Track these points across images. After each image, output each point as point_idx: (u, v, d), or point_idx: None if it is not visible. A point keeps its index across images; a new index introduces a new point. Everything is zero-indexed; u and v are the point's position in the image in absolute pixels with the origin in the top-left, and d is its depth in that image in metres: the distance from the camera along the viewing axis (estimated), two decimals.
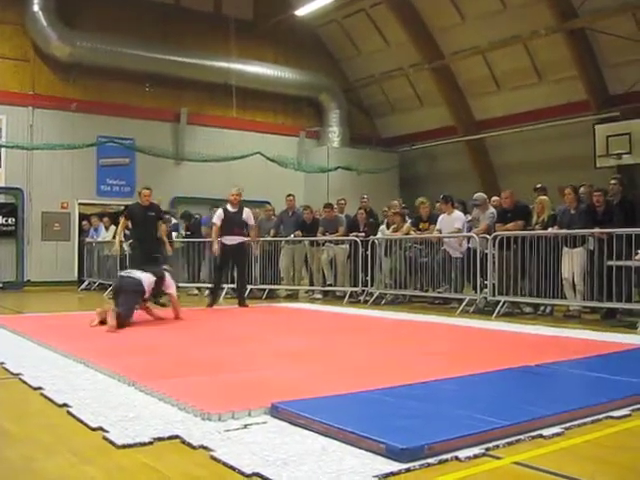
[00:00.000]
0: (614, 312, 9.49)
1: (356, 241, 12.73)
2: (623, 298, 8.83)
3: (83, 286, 16.62)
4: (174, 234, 14.86)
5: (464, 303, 10.77)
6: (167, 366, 5.35)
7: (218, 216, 11.25)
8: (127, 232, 12.97)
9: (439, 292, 11.60)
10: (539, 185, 11.69)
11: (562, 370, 5.27)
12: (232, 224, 11.15)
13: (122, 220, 11.70)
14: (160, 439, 3.40)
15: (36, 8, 16.63)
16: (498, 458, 3.15)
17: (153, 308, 9.14)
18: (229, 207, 11.25)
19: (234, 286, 12.33)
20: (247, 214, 11.38)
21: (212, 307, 11.08)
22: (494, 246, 10.28)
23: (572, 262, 9.66)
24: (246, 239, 11.53)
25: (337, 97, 21.55)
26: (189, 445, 3.31)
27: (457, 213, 11.73)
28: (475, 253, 10.67)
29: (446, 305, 11.71)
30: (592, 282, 9.29)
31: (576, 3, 15.82)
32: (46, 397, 4.36)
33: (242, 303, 11.32)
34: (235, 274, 12.32)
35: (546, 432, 3.50)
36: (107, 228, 16.36)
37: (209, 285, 14.32)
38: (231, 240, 11.14)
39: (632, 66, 15.70)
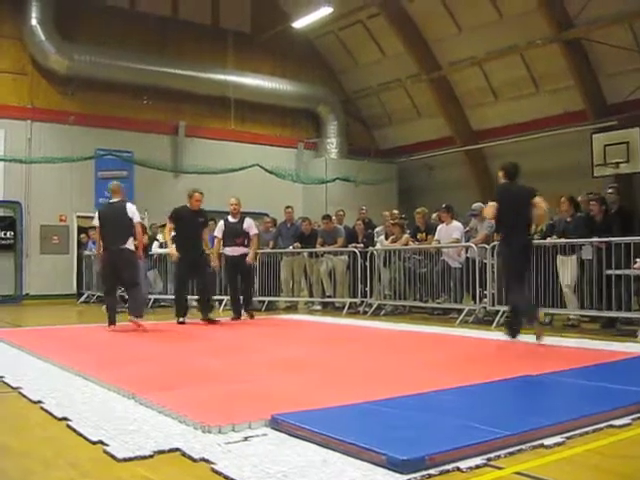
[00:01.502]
0: (614, 321, 9.49)
1: (355, 252, 12.74)
2: (622, 307, 8.83)
3: (82, 299, 16.61)
4: (173, 246, 14.76)
5: (463, 313, 10.76)
6: (166, 378, 5.34)
7: (219, 228, 11.15)
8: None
9: (438, 302, 11.58)
10: None
11: (562, 379, 5.26)
12: (233, 234, 10.98)
13: (167, 224, 10.82)
14: (160, 452, 3.39)
15: (34, 22, 16.67)
16: (499, 468, 3.15)
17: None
18: (230, 218, 11.13)
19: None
20: (248, 224, 11.15)
21: (238, 319, 11.01)
22: (493, 256, 10.28)
23: (569, 271, 9.67)
24: (248, 250, 11.08)
25: (335, 109, 21.60)
26: (190, 458, 3.30)
27: (455, 223, 11.73)
28: (474, 263, 10.67)
29: (445, 315, 11.70)
30: (591, 291, 9.30)
31: (572, 13, 15.91)
32: (46, 411, 4.34)
33: (239, 316, 11.14)
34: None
35: (547, 442, 3.50)
36: None
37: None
38: (233, 251, 11.00)
39: (629, 75, 15.77)
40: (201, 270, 10.49)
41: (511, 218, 7.73)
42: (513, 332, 7.81)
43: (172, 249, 10.46)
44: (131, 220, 9.27)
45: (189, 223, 10.28)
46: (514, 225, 7.74)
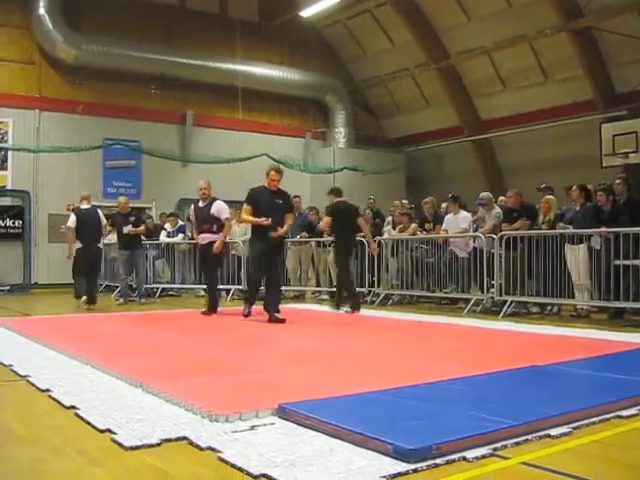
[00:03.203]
0: (622, 311, 9.46)
1: (363, 242, 12.70)
2: (630, 297, 8.80)
3: None
4: (180, 235, 14.86)
5: (471, 303, 10.76)
6: (174, 367, 5.35)
7: (191, 213, 10.61)
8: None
9: (446, 292, 11.59)
10: (543, 185, 11.63)
11: (570, 370, 5.25)
12: (201, 220, 10.10)
13: (245, 206, 9.31)
14: (168, 440, 3.40)
15: (42, 11, 16.67)
16: (506, 458, 3.15)
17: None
18: (200, 203, 10.13)
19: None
20: (217, 208, 10.00)
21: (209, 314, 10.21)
22: (500, 246, 10.26)
23: (577, 260, 9.63)
24: (215, 237, 9.97)
25: (343, 98, 21.56)
26: (197, 446, 3.31)
27: (463, 213, 11.74)
28: (481, 253, 10.65)
29: (453, 305, 11.71)
30: (599, 281, 9.27)
31: (581, 2, 15.82)
32: (54, 399, 4.36)
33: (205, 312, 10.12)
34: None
35: (554, 432, 3.49)
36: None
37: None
38: (202, 239, 10.13)
39: (638, 65, 15.67)
40: (277, 257, 9.50)
41: (342, 228, 10.67)
42: (338, 306, 10.76)
43: (257, 220, 9.05)
44: (101, 223, 11.70)
45: (267, 205, 9.06)
46: (344, 232, 10.74)
